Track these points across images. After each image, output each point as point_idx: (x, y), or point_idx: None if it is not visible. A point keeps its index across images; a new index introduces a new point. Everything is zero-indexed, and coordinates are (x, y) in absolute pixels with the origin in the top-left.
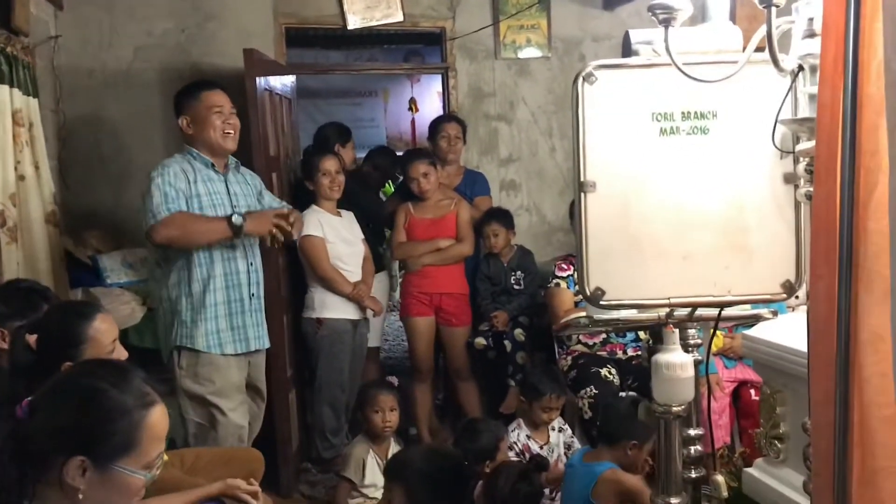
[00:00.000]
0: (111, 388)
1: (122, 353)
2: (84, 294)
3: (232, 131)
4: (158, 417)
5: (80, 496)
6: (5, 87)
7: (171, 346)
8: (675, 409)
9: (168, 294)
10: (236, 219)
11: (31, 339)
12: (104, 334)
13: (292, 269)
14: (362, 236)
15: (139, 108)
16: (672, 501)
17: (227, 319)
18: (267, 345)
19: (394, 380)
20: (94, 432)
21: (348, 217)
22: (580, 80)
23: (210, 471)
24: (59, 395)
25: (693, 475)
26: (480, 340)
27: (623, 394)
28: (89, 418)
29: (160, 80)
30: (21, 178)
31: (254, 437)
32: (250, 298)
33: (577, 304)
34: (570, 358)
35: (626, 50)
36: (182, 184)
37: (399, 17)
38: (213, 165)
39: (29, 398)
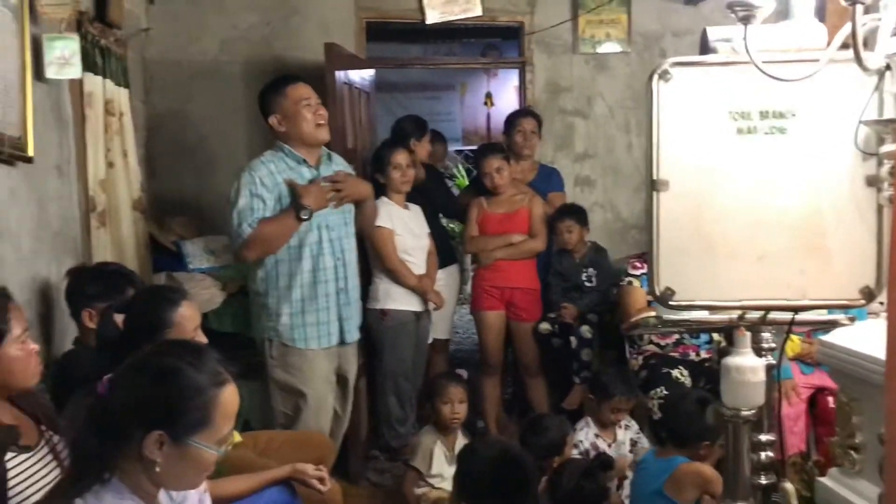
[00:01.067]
0: (188, 366)
1: (202, 339)
2: (167, 278)
3: (323, 121)
4: (230, 396)
5: (157, 469)
6: (98, 78)
7: (262, 337)
8: (744, 413)
9: (257, 287)
10: (304, 213)
11: (119, 318)
12: (188, 320)
13: (360, 258)
14: (428, 230)
15: (223, 100)
16: None
17: (314, 314)
18: (356, 337)
19: (463, 372)
20: (171, 408)
21: (416, 210)
22: (655, 77)
23: (282, 454)
24: (138, 372)
25: (763, 481)
26: (546, 326)
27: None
28: (167, 395)
29: (244, 72)
30: (110, 165)
31: (344, 427)
32: (338, 293)
33: (649, 303)
34: (641, 358)
35: (704, 47)
36: (270, 191)
37: (478, 12)
38: (305, 161)
39: (109, 375)
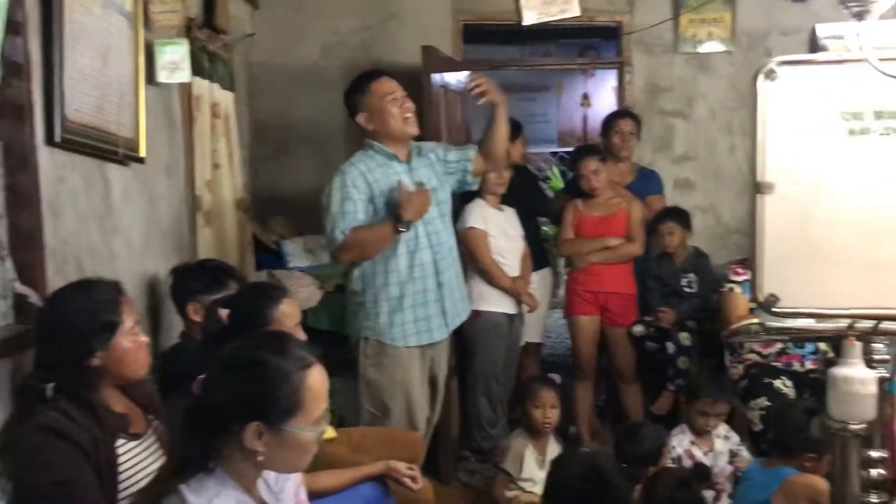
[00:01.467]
0: (272, 356)
1: (301, 336)
2: (269, 276)
3: (410, 114)
4: (317, 377)
5: (260, 458)
6: (206, 82)
7: (357, 336)
8: (852, 426)
9: (353, 286)
10: (401, 225)
11: (224, 313)
12: (289, 318)
13: None
14: (522, 232)
15: (324, 104)
16: None
17: (412, 311)
18: (447, 333)
19: (556, 377)
20: (263, 399)
21: (510, 212)
22: (761, 76)
23: (374, 451)
24: (226, 369)
25: (874, 500)
26: (640, 328)
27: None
28: (256, 387)
29: (343, 76)
30: (216, 166)
31: (432, 427)
32: (438, 287)
33: (752, 310)
34: (741, 367)
35: (814, 45)
36: (361, 192)
37: (576, 12)
38: (395, 157)
39: (202, 376)
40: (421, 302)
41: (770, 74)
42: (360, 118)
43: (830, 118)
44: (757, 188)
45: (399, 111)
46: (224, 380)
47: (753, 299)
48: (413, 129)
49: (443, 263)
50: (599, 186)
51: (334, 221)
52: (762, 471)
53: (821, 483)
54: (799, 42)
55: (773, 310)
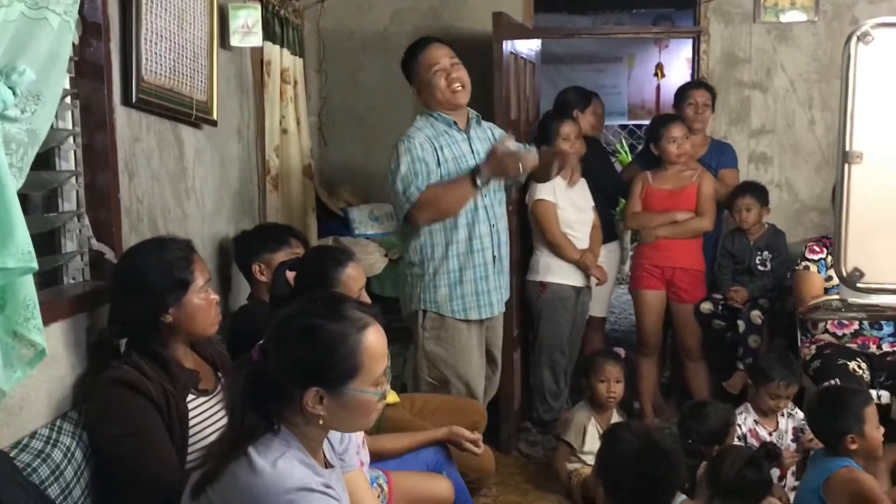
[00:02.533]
0: (326, 320)
1: (366, 300)
2: (335, 242)
3: (459, 85)
4: (374, 337)
5: (321, 421)
6: (277, 47)
7: (415, 308)
8: None
9: (411, 258)
10: (480, 178)
11: (291, 275)
12: (354, 281)
13: (522, 231)
14: (593, 204)
15: (393, 71)
16: None
17: (472, 284)
18: (503, 309)
19: (621, 351)
20: (320, 363)
21: (581, 184)
22: (854, 39)
23: (436, 417)
24: (282, 335)
25: None
26: (708, 305)
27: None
28: (313, 351)
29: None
30: (284, 132)
31: (488, 401)
32: (494, 262)
33: (826, 290)
34: (814, 347)
35: None
36: (429, 154)
37: None
38: (455, 124)
39: (261, 342)
40: (482, 276)
41: (864, 37)
42: (414, 91)
43: None
44: (844, 157)
45: (445, 83)
46: (281, 346)
47: (836, 273)
48: (462, 100)
49: (499, 237)
50: (684, 154)
51: (407, 181)
52: (823, 458)
53: (868, 485)
54: (890, 10)
55: (859, 285)
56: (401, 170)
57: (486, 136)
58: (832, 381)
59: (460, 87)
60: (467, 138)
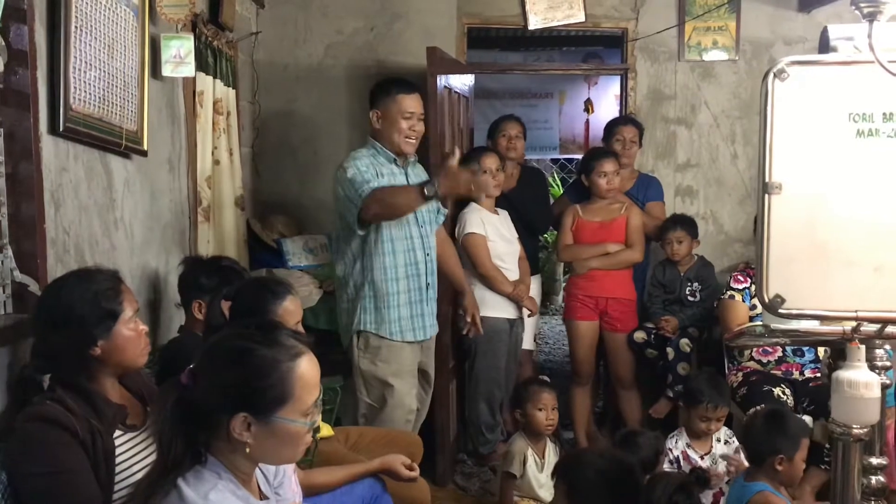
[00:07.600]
0: (259, 346)
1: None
2: (268, 274)
3: (414, 138)
4: (307, 367)
5: (248, 449)
6: (209, 78)
7: (352, 331)
8: (855, 430)
9: (353, 281)
10: (429, 189)
11: (226, 305)
12: (291, 315)
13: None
14: (517, 235)
15: (327, 103)
16: None
17: (408, 308)
18: (436, 331)
19: (546, 379)
20: (250, 389)
21: (504, 215)
22: (771, 76)
23: (372, 450)
24: (213, 359)
25: None
26: (641, 334)
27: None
28: (243, 376)
29: (347, 76)
30: (216, 162)
31: (421, 422)
32: (427, 287)
33: (751, 318)
34: (740, 374)
35: (824, 47)
36: (372, 176)
37: (581, 17)
38: (395, 160)
39: (191, 366)
40: (417, 299)
41: (780, 74)
42: (374, 115)
43: (839, 119)
44: (764, 188)
45: (406, 130)
46: (212, 369)
47: (759, 300)
48: (409, 150)
49: (432, 265)
50: (613, 189)
51: (358, 182)
52: (743, 483)
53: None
54: (804, 51)
55: (780, 311)
56: (348, 174)
57: (421, 177)
58: (758, 407)
59: (413, 139)
60: (405, 173)
